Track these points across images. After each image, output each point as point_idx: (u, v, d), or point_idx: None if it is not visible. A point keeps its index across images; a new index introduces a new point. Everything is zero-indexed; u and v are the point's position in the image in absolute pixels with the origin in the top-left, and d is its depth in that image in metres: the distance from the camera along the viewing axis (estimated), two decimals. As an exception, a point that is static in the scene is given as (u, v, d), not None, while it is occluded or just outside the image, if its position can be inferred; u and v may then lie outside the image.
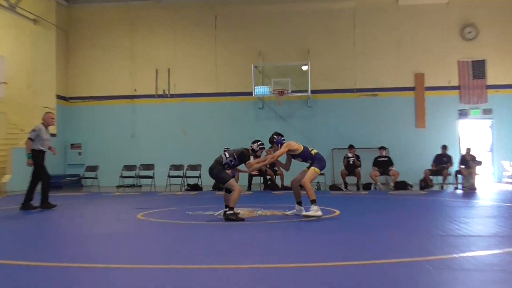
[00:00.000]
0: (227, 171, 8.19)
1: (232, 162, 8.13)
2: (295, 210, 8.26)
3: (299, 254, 5.15)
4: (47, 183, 9.82)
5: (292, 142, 8.48)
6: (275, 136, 8.56)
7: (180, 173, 16.88)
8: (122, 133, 18.80)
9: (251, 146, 8.39)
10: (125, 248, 5.74)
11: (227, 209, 8.00)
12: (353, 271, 4.39)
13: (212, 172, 7.97)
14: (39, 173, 9.73)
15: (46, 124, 9.97)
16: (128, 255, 5.27)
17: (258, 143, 8.37)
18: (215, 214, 8.68)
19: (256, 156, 8.36)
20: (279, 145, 8.37)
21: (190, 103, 18.72)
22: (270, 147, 8.71)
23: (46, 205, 9.75)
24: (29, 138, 9.77)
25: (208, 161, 19.85)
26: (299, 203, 8.26)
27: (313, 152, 8.36)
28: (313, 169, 8.04)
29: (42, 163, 9.80)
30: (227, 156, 8.19)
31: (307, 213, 7.73)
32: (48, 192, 9.80)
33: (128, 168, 17.01)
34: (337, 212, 8.86)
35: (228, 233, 6.70)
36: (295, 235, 6.43)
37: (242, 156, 8.12)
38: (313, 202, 7.79)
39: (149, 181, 16.49)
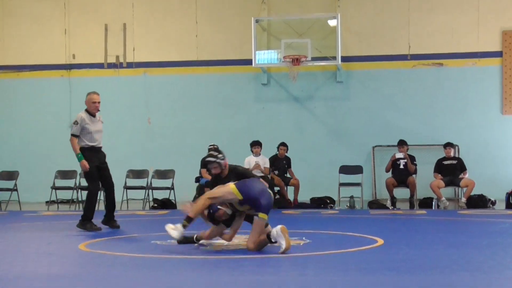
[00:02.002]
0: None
1: None
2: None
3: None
4: (91, 197, 11.17)
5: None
6: (209, 158, 8.93)
7: (142, 182, 17.00)
8: (53, 122, 18.91)
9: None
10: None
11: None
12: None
13: None
14: (89, 180, 11.14)
15: (90, 111, 11.21)
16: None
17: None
18: (196, 244, 8.82)
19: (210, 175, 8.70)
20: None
21: (157, 77, 18.82)
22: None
23: (111, 223, 11.23)
24: (72, 135, 11.06)
25: (184, 164, 19.98)
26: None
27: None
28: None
29: (93, 174, 11.06)
30: None
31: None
32: (92, 209, 11.07)
33: (64, 175, 17.14)
34: (380, 241, 8.98)
35: (218, 273, 6.83)
36: (315, 276, 6.56)
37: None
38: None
39: (95, 194, 16.62)
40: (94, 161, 11.05)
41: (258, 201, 8.05)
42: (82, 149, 10.97)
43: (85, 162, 10.90)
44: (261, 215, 8.02)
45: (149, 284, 6.25)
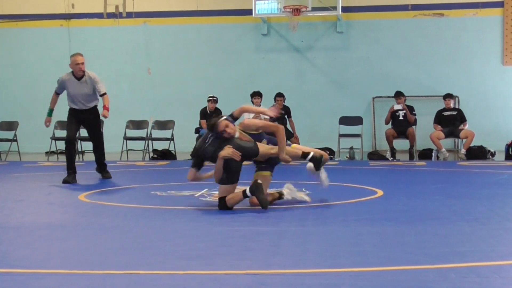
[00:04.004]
0: None
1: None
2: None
3: (319, 255, 5.32)
4: (65, 146, 11.32)
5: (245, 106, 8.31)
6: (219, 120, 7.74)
7: (142, 133, 17.00)
8: (52, 73, 18.79)
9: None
10: (61, 246, 5.89)
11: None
12: (398, 280, 4.56)
13: None
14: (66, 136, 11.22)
15: (74, 73, 10.95)
16: (66, 256, 5.43)
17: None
18: (196, 195, 8.84)
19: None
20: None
21: (157, 27, 18.71)
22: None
23: (102, 173, 11.34)
24: (55, 92, 11.28)
25: (184, 115, 20.01)
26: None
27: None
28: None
29: (71, 125, 11.11)
30: None
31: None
32: (68, 159, 11.06)
33: (64, 125, 17.09)
34: (379, 192, 9.02)
35: (217, 224, 6.86)
36: (314, 226, 6.60)
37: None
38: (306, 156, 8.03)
39: (95, 145, 16.63)
40: (75, 117, 11.14)
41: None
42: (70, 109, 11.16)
43: (46, 120, 11.43)
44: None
45: (147, 233, 6.30)
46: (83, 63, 10.81)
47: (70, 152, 11.09)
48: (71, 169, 10.90)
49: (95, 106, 11.14)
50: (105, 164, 11.39)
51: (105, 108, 10.90)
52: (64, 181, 10.69)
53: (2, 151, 17.10)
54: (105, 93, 10.97)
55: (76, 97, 10.91)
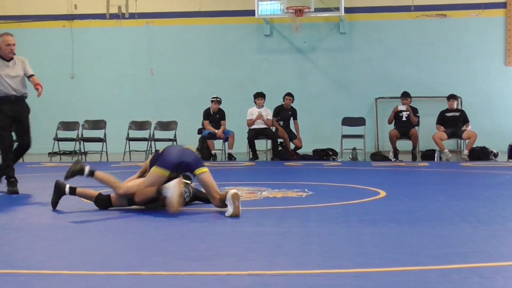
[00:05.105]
0: None
1: None
2: None
3: (321, 255, 5.32)
4: (3, 149, 9.64)
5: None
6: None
7: (145, 134, 17.01)
8: (55, 73, 18.89)
9: None
10: (63, 246, 5.90)
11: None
12: (400, 281, 4.56)
13: None
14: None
15: (4, 55, 9.73)
16: (69, 256, 5.43)
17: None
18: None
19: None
20: None
21: (159, 28, 18.75)
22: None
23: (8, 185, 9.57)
24: None
25: (187, 115, 19.98)
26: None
27: None
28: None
29: (5, 116, 9.52)
30: None
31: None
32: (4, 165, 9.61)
33: (66, 126, 17.15)
34: (382, 193, 9.02)
35: (220, 224, 6.87)
36: (316, 227, 6.60)
37: None
38: None
39: (98, 145, 16.66)
40: (6, 112, 9.54)
41: (184, 163, 7.74)
42: None
43: None
44: (198, 171, 7.61)
45: (149, 234, 6.31)
46: (14, 44, 9.70)
47: (3, 139, 9.52)
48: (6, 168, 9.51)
49: (26, 96, 9.91)
50: (15, 177, 9.63)
51: (39, 85, 9.81)
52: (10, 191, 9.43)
53: (5, 152, 17.10)
54: (33, 75, 9.88)
55: (7, 81, 9.55)
